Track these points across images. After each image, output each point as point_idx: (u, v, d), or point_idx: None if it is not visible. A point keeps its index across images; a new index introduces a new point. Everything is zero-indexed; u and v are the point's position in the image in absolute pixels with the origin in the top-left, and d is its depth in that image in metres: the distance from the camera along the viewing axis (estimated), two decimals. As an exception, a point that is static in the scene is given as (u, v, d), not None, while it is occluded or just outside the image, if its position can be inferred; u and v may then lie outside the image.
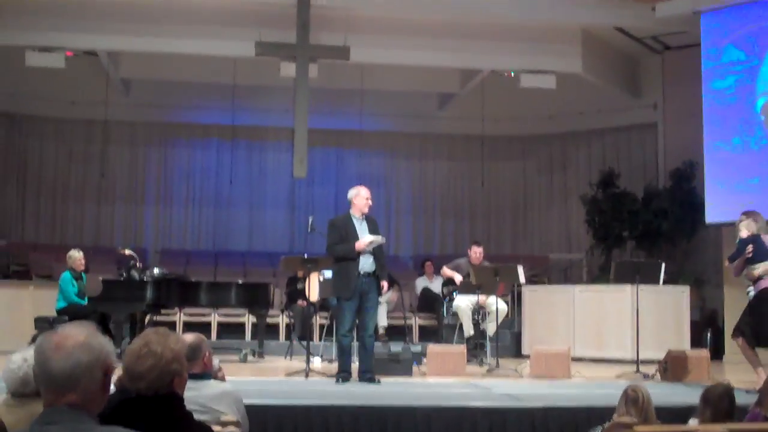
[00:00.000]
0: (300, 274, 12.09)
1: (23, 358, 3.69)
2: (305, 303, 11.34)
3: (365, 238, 8.60)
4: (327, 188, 17.35)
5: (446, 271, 11.47)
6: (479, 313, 10.87)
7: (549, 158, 17.59)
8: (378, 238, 8.64)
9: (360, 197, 8.80)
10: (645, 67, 15.59)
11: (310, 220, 10.00)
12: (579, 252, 16.09)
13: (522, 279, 10.73)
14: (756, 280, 8.32)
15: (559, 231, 17.38)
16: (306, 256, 9.81)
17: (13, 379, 3.67)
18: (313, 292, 10.91)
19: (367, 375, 8.54)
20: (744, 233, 8.44)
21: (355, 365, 8.76)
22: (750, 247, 8.25)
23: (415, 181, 17.88)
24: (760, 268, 8.25)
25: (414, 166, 17.97)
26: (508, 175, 17.76)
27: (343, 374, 8.55)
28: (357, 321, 8.66)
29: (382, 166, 17.76)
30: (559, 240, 17.23)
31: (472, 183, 17.44)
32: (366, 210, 8.79)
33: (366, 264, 8.62)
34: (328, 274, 11.29)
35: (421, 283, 14.07)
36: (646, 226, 14.21)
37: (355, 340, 8.84)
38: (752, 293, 8.39)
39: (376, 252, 8.69)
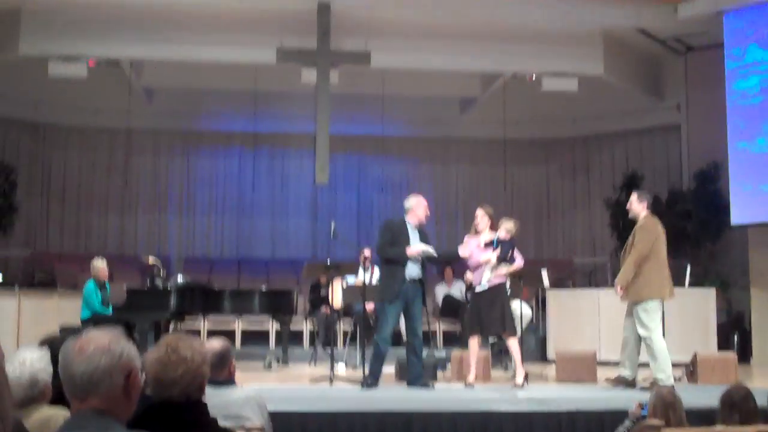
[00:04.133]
0: (323, 280, 12.08)
1: (20, 361, 3.44)
2: (328, 310, 11.34)
3: (418, 245, 8.60)
4: (349, 194, 17.33)
5: (468, 276, 11.41)
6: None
7: (572, 161, 17.50)
8: (430, 249, 8.64)
9: (421, 207, 8.85)
10: (667, 68, 15.41)
11: (333, 227, 9.98)
12: (603, 255, 15.97)
13: (546, 283, 10.68)
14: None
15: (583, 234, 17.27)
16: (329, 262, 9.78)
17: (19, 388, 3.32)
18: (336, 298, 10.88)
19: (420, 381, 8.54)
20: (504, 234, 8.99)
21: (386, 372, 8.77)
22: (511, 252, 8.96)
23: (438, 187, 17.76)
24: (506, 269, 8.97)
25: (436, 171, 17.91)
26: (531, 179, 17.70)
27: (371, 379, 8.50)
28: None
29: (404, 172, 17.69)
30: (584, 243, 17.11)
31: (494, 187, 17.34)
32: (424, 220, 8.84)
33: (413, 271, 8.62)
34: (351, 280, 11.31)
35: (441, 289, 13.98)
36: (670, 228, 14.06)
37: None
38: (484, 287, 8.95)
39: (424, 262, 8.72)
